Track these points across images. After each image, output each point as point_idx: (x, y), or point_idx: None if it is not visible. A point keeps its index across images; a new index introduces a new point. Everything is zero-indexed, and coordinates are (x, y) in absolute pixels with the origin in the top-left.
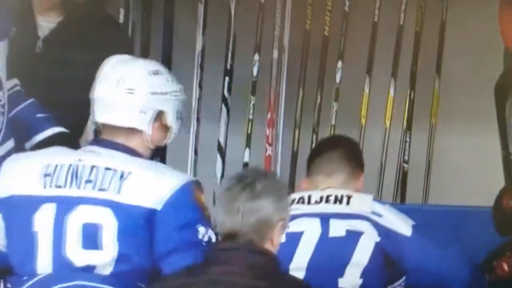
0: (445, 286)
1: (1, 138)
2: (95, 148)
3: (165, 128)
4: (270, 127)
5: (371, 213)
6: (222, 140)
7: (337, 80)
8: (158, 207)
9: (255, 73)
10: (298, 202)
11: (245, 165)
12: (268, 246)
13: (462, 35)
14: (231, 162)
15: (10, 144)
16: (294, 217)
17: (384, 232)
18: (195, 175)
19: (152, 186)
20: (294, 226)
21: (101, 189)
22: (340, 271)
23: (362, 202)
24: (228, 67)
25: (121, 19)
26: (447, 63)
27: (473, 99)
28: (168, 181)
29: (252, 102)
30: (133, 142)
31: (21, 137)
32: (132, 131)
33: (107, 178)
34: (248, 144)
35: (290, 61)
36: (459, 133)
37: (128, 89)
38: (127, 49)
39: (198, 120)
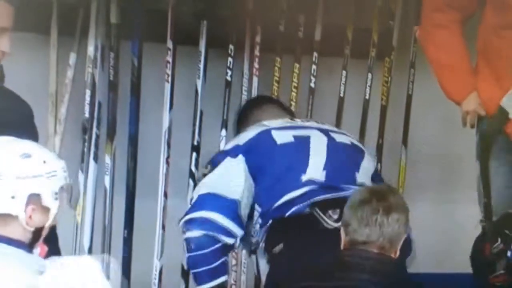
0: None
1: None
2: None
3: (45, 210)
4: None
5: None
6: None
7: None
8: None
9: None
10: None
11: None
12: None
13: (428, 108)
14: None
15: None
16: (290, 128)
17: None
18: (162, 250)
19: None
20: (297, 132)
21: None
22: (356, 167)
23: None
24: (195, 143)
25: (87, 99)
26: (413, 135)
27: (440, 170)
28: None
29: None
30: (9, 228)
31: None
32: (6, 216)
33: None
34: None
35: None
36: (426, 204)
37: None
38: (31, 124)
39: (165, 195)
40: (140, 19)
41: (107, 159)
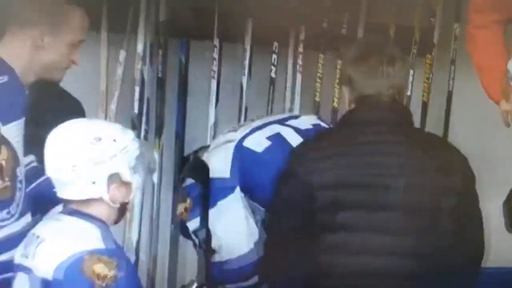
0: None
1: (19, 213)
2: (60, 216)
3: (126, 184)
4: None
5: None
6: None
7: None
8: (50, 277)
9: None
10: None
11: None
12: None
13: (468, 105)
14: None
15: (26, 219)
16: (255, 129)
17: None
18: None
19: (48, 254)
20: (265, 131)
21: (25, 256)
22: None
23: None
24: None
25: (136, 96)
26: (453, 131)
27: (479, 168)
28: (60, 250)
29: None
30: (94, 208)
31: (41, 210)
32: (90, 199)
33: (31, 245)
34: None
35: None
36: None
37: (72, 166)
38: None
39: None
40: (188, 17)
41: (155, 155)
